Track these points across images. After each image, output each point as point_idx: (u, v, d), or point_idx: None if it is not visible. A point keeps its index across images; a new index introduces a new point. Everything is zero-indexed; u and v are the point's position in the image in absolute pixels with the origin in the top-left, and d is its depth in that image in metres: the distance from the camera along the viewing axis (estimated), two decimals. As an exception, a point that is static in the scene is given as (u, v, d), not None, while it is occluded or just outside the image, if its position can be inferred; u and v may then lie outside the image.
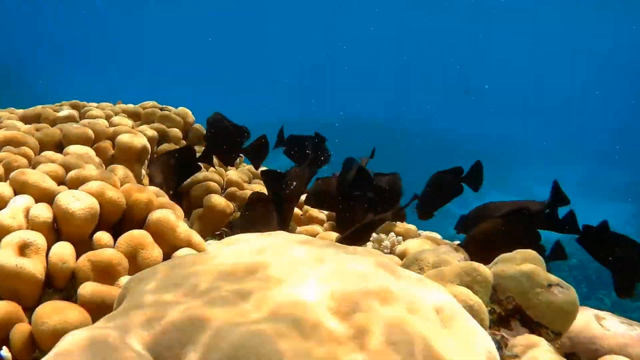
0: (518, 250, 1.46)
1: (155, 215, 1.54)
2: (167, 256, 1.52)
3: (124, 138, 2.02)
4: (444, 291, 1.13)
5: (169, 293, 1.02)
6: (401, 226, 2.44)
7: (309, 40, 24.03)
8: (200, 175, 2.32)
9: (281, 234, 1.28)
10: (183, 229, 1.56)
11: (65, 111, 2.34)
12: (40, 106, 2.50)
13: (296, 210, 2.28)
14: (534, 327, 1.37)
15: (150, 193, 1.61)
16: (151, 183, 2.17)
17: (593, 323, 1.47)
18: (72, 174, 1.62)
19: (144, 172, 2.15)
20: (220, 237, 2.13)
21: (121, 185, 1.65)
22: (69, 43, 22.55)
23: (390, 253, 2.06)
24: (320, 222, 2.30)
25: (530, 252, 1.45)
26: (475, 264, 1.35)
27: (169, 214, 1.55)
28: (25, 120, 2.33)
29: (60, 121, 2.28)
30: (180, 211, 1.66)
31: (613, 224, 1.98)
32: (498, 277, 1.38)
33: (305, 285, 1.02)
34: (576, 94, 22.01)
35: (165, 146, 2.43)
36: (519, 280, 1.37)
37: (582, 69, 22.58)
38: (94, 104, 2.60)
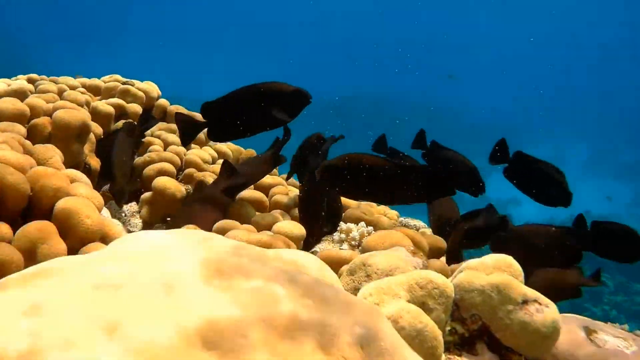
0: (490, 255, 1.14)
1: (63, 203, 1.24)
2: (74, 251, 1.23)
3: (60, 114, 1.72)
4: (378, 316, 0.82)
5: None
6: (376, 211, 2.12)
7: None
8: (154, 154, 2.02)
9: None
10: (95, 220, 1.26)
11: (16, 84, 2.04)
12: (-6, 79, 2.21)
13: (260, 194, 1.97)
14: (504, 353, 1.05)
15: (62, 178, 1.31)
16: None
17: (581, 337, 1.18)
18: (-27, 155, 1.32)
19: (85, 151, 1.85)
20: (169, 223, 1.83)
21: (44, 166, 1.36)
22: (75, 17, 21.75)
23: (358, 246, 1.75)
24: (285, 209, 1.99)
25: (504, 258, 1.13)
26: (432, 274, 1.04)
27: (80, 202, 1.25)
28: (-27, 93, 2.05)
29: (7, 94, 1.98)
30: (99, 200, 1.36)
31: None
32: (462, 290, 1.07)
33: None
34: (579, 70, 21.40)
35: (121, 124, 2.13)
36: (487, 294, 1.05)
37: (588, 43, 21.83)
38: (53, 78, 2.30)
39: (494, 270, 1.10)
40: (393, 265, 1.13)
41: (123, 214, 1.86)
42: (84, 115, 1.75)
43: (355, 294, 1.14)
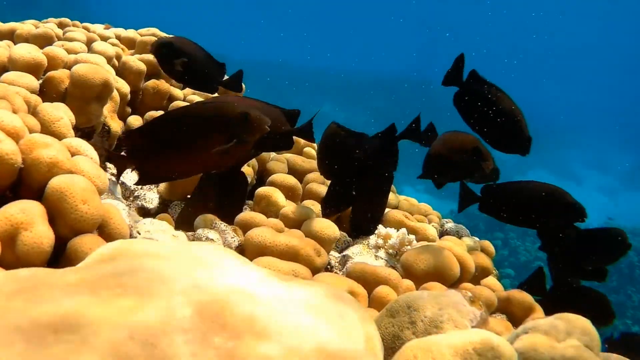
0: (561, 315, 0.89)
1: (56, 182, 1.02)
2: (64, 241, 1.01)
3: (79, 70, 1.48)
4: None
5: None
6: (417, 212, 1.87)
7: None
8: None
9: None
10: (93, 207, 1.03)
11: (42, 29, 1.81)
12: (23, 21, 1.98)
13: (294, 181, 1.72)
14: None
15: (61, 150, 1.07)
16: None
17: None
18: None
19: (106, 112, 1.62)
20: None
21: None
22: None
23: (396, 255, 1.51)
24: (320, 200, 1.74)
25: (581, 323, 0.88)
26: (494, 339, 0.79)
27: (77, 183, 1.02)
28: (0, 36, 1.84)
29: (31, 39, 1.76)
30: (103, 180, 1.12)
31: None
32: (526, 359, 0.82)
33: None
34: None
35: (152, 83, 1.89)
36: (558, 369, 0.80)
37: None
38: (86, 25, 2.07)
39: (566, 337, 0.85)
40: (445, 316, 0.88)
41: (139, 186, 1.64)
42: (106, 73, 1.51)
43: (395, 342, 0.90)
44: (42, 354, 0.53)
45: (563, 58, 20.84)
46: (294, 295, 0.72)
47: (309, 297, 0.73)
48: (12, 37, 1.83)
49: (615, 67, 20.57)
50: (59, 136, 1.24)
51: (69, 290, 0.63)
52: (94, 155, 1.20)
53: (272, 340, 0.60)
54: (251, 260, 1.20)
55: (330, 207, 1.61)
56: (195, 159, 1.34)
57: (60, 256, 1.02)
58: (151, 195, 1.63)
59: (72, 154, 1.13)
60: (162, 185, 1.64)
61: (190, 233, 1.29)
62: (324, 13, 22.55)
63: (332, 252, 1.51)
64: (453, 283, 1.41)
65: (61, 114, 1.29)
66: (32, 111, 1.28)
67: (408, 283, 1.31)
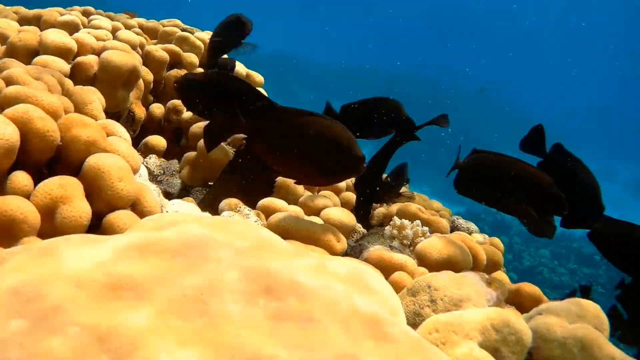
0: (573, 299, 0.95)
1: (94, 160, 1.07)
2: (100, 216, 1.07)
3: (108, 55, 1.55)
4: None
5: None
6: (429, 208, 1.93)
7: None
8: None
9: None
10: (128, 184, 1.09)
11: (68, 16, 1.87)
12: (48, 8, 2.04)
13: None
14: (579, 420, 0.87)
15: (98, 130, 1.13)
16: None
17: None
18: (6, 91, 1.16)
19: (131, 98, 1.68)
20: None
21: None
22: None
23: (410, 246, 1.57)
24: (337, 192, 1.80)
25: (591, 307, 0.94)
26: (510, 316, 0.85)
27: (114, 162, 1.09)
28: (25, 21, 1.90)
29: (58, 26, 1.82)
30: (136, 160, 1.18)
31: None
32: (539, 338, 0.88)
33: None
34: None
35: (174, 72, 1.95)
36: (568, 348, 0.86)
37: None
38: (109, 14, 2.13)
39: (578, 320, 0.91)
40: (464, 295, 0.94)
41: (162, 172, 1.70)
42: (134, 60, 1.58)
43: (415, 319, 0.96)
44: (103, 307, 0.58)
45: (569, 66, 20.87)
46: (330, 267, 0.78)
47: (343, 270, 0.79)
48: (38, 23, 1.89)
49: (620, 76, 20.58)
50: (92, 118, 1.30)
51: (122, 254, 0.69)
52: (127, 136, 1.26)
53: (312, 302, 0.65)
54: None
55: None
56: (312, 173, 1.35)
57: (93, 231, 1.08)
58: (174, 181, 1.70)
59: (107, 134, 1.19)
60: (184, 171, 1.70)
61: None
62: (330, 6, 22.57)
63: (348, 242, 1.57)
64: (465, 274, 1.47)
65: (93, 97, 1.35)
66: (65, 93, 1.34)
67: (423, 270, 1.37)
